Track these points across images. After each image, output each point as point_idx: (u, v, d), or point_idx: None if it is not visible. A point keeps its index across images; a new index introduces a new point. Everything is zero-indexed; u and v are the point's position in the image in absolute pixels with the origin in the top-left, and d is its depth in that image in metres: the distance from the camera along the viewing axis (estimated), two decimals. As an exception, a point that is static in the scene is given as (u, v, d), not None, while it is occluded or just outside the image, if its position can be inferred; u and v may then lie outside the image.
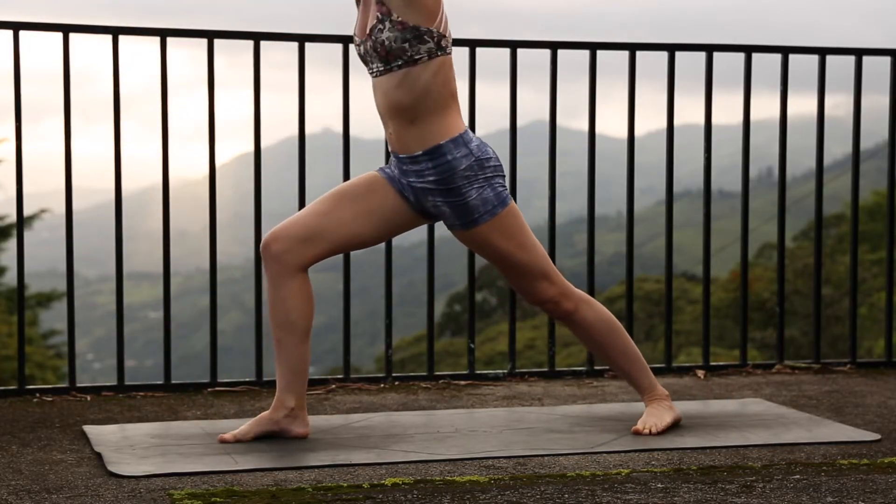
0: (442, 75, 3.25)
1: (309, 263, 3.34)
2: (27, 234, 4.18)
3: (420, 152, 3.29)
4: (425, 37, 3.21)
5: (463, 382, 4.41)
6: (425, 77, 3.23)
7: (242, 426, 3.36)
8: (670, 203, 4.69)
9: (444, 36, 3.25)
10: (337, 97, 4.39)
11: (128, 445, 3.23)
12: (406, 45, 3.20)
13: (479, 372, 4.49)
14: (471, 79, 4.43)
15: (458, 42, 4.47)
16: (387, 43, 3.21)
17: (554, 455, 3.15)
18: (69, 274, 4.17)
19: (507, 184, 3.55)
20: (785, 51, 4.71)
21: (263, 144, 4.36)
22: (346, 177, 4.34)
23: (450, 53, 3.28)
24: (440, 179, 3.29)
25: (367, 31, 3.26)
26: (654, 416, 3.45)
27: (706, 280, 4.71)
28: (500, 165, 3.37)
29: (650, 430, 3.40)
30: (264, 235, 3.39)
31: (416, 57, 3.22)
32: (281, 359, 3.35)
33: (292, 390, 3.33)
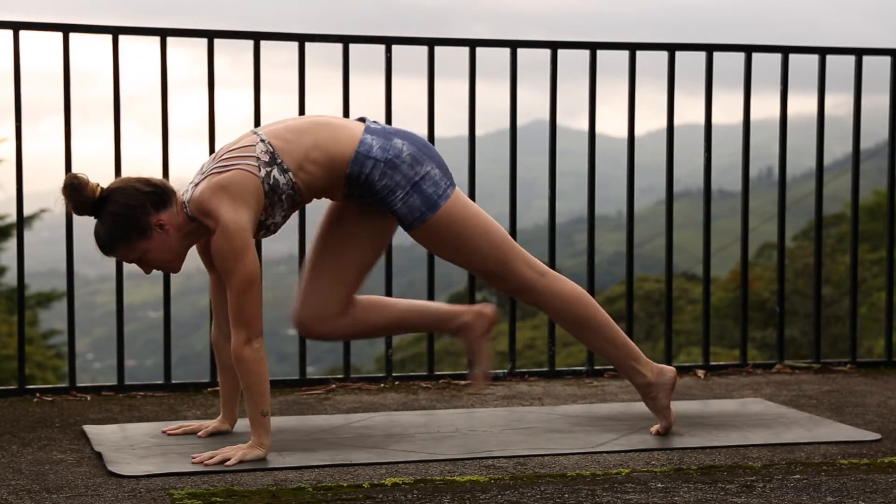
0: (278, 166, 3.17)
1: (347, 312, 3.44)
2: (27, 234, 4.18)
3: (346, 192, 3.26)
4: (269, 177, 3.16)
5: (463, 382, 4.41)
6: (282, 180, 3.16)
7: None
8: (670, 203, 4.69)
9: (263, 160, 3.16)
10: (337, 97, 4.39)
11: (128, 445, 3.23)
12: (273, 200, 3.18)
13: (479, 372, 4.49)
14: (471, 79, 4.43)
15: (459, 42, 4.48)
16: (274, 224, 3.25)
17: (554, 455, 3.15)
18: (69, 274, 4.16)
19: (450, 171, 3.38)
20: (785, 50, 4.71)
21: (263, 144, 4.35)
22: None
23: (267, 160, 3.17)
24: (371, 196, 3.24)
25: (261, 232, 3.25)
26: (657, 414, 3.46)
27: (706, 280, 4.71)
28: (417, 150, 3.23)
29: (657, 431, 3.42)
30: (296, 315, 3.43)
31: (271, 182, 3.15)
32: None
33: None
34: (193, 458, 3.04)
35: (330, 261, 3.38)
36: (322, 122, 3.27)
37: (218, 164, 3.17)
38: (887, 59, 4.73)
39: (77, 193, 3.11)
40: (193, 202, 3.15)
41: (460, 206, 3.29)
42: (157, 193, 3.15)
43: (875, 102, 5.24)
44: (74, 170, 4.08)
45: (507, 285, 3.40)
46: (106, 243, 3.15)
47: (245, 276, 3.08)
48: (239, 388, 3.43)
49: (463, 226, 3.29)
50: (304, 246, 4.29)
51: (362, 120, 3.34)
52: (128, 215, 3.11)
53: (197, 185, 3.17)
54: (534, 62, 4.76)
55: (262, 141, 3.18)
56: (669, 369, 3.46)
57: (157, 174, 4.18)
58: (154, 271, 3.27)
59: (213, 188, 3.12)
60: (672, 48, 4.61)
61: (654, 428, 3.42)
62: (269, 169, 3.15)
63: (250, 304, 3.08)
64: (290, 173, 3.17)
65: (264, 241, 4.40)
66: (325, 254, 3.39)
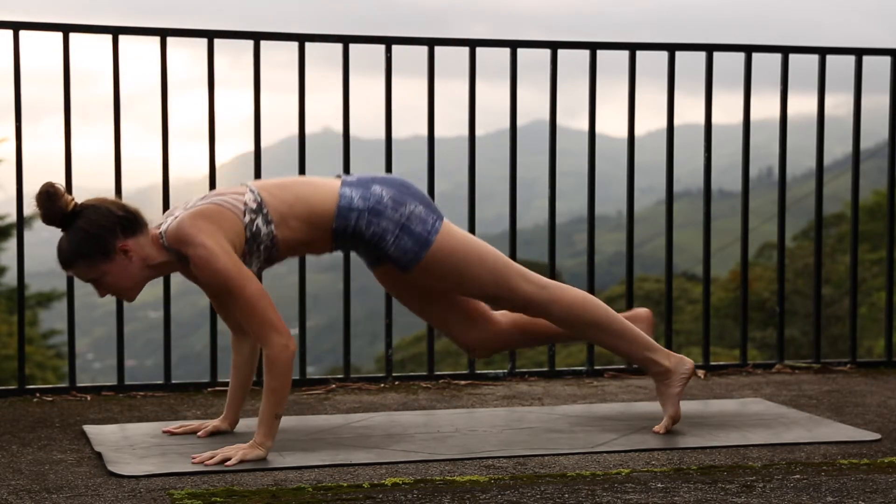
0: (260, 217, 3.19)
1: (502, 321, 3.54)
2: (27, 234, 4.18)
3: (333, 245, 3.31)
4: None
5: (463, 382, 4.41)
6: (264, 230, 3.18)
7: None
8: (670, 203, 4.69)
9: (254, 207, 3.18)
10: (337, 97, 4.39)
11: (128, 445, 3.23)
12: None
13: (479, 371, 4.49)
14: (471, 79, 4.43)
15: (459, 42, 4.48)
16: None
17: (554, 455, 3.15)
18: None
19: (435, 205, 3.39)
20: (785, 50, 4.71)
21: (263, 144, 4.36)
22: (346, 177, 4.35)
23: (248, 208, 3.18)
24: (363, 245, 3.29)
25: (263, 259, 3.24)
26: (663, 407, 3.46)
27: (706, 280, 4.71)
28: (397, 192, 3.25)
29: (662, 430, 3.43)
30: (463, 346, 3.53)
31: (254, 230, 3.17)
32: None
33: None
34: (193, 458, 3.04)
35: (433, 304, 3.50)
36: (302, 180, 3.32)
37: (204, 201, 3.19)
38: (887, 59, 4.73)
39: (50, 202, 3.10)
40: (171, 231, 3.13)
41: (451, 238, 3.31)
42: (128, 219, 3.14)
43: (875, 102, 5.24)
44: (75, 170, 4.10)
45: (511, 304, 3.42)
46: (67, 257, 3.13)
47: (251, 288, 3.08)
48: (247, 390, 3.44)
49: (458, 257, 3.31)
50: (304, 246, 4.28)
51: (338, 177, 3.36)
52: (95, 234, 3.10)
53: (178, 217, 3.17)
54: (534, 62, 4.76)
55: (252, 191, 3.21)
56: (688, 360, 3.50)
57: (157, 174, 4.19)
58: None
59: (193, 216, 3.12)
60: (672, 48, 4.61)
61: (659, 426, 3.42)
62: (253, 216, 3.17)
63: (268, 310, 3.09)
64: (272, 225, 3.19)
65: (264, 241, 4.40)
66: (421, 303, 3.50)
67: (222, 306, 3.39)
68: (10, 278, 19.67)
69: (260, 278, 3.43)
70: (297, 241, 3.24)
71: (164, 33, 4.16)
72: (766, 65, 4.86)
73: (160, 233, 3.17)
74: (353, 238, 3.26)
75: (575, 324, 3.44)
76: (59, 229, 3.14)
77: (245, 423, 3.45)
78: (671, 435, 3.38)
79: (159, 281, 4.09)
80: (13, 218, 18.40)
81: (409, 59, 5.14)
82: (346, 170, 4.35)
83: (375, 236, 3.24)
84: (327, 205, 3.22)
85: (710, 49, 4.63)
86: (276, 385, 3.07)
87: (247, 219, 3.16)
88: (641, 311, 3.63)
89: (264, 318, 3.08)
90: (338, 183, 3.28)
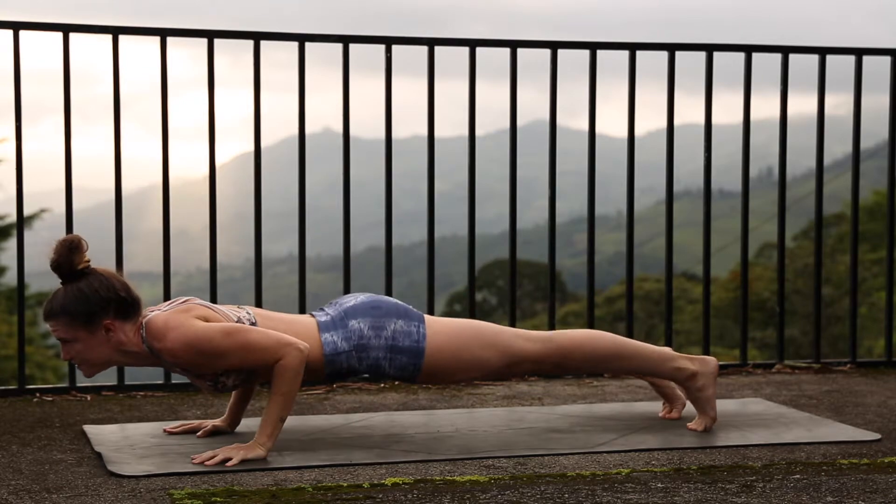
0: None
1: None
2: (27, 234, 4.18)
3: (329, 380, 3.37)
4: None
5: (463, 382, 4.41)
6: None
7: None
8: (670, 203, 4.69)
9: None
10: (337, 97, 4.39)
11: (128, 445, 3.23)
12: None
13: (479, 372, 4.49)
14: (471, 79, 4.43)
15: (459, 42, 4.48)
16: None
17: (554, 455, 3.15)
18: (69, 274, 4.15)
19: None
20: (785, 50, 4.71)
21: (263, 144, 4.36)
22: (346, 177, 4.35)
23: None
24: (360, 374, 3.34)
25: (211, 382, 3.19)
26: (700, 411, 3.47)
27: (706, 280, 4.71)
28: (373, 318, 3.26)
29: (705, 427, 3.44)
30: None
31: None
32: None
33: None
34: (193, 458, 3.04)
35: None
36: (280, 317, 3.28)
37: (190, 301, 3.19)
38: (887, 59, 4.73)
39: (69, 254, 3.09)
40: (149, 323, 3.10)
41: (441, 333, 3.32)
42: (127, 303, 3.12)
43: (875, 102, 5.25)
44: (75, 170, 4.10)
45: (527, 365, 3.41)
46: (54, 308, 3.10)
47: (238, 330, 3.09)
48: (251, 395, 3.43)
49: (455, 348, 3.32)
50: (303, 246, 4.29)
51: (312, 315, 3.35)
52: (91, 300, 3.08)
53: (160, 311, 3.16)
54: (534, 62, 4.76)
55: (248, 313, 3.23)
56: (710, 358, 3.51)
57: (157, 174, 4.19)
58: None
59: (173, 312, 3.12)
60: (672, 48, 4.61)
61: (695, 423, 3.43)
62: None
63: (267, 334, 3.09)
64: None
65: (265, 240, 4.41)
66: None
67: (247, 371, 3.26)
68: (10, 278, 19.68)
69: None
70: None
71: (164, 33, 4.16)
72: (766, 65, 4.86)
73: (142, 322, 3.14)
74: (349, 374, 3.31)
75: (593, 360, 3.45)
76: (59, 280, 3.12)
77: (245, 423, 3.45)
78: (671, 435, 3.38)
79: (159, 281, 4.09)
80: (13, 218, 18.41)
81: (409, 59, 5.14)
82: (346, 170, 4.35)
83: (371, 368, 3.29)
84: (313, 351, 3.22)
85: (710, 49, 4.63)
86: (287, 389, 3.07)
87: None
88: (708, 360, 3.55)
89: (270, 342, 3.07)
90: (314, 324, 3.27)
